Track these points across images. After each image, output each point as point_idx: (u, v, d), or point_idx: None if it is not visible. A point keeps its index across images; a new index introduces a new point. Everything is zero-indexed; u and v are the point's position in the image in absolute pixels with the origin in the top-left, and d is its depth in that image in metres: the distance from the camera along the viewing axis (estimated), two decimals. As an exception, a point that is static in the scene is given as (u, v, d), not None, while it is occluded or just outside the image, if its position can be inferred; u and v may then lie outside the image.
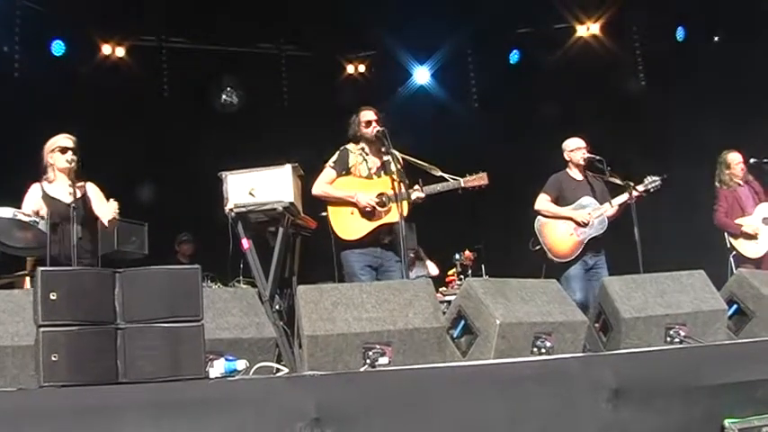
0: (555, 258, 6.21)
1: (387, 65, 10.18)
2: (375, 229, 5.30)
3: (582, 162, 6.33)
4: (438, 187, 5.37)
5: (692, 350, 4.28)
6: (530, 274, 5.40)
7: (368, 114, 5.51)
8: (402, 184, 5.19)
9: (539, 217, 6.34)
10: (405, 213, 5.14)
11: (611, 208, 6.19)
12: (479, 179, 5.41)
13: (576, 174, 6.41)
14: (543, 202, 6.34)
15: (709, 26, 9.14)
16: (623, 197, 6.15)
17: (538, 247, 6.31)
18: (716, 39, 9.18)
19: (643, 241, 5.89)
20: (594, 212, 6.19)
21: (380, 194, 5.32)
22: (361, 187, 5.37)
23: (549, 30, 9.96)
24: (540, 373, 3.59)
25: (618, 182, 6.22)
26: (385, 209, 5.30)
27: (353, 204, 5.32)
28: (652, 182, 6.14)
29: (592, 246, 6.18)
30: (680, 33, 9.45)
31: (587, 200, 6.27)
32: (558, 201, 6.33)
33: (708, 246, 7.00)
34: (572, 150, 6.39)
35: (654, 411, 3.54)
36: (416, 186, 5.32)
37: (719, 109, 8.21)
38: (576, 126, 6.63)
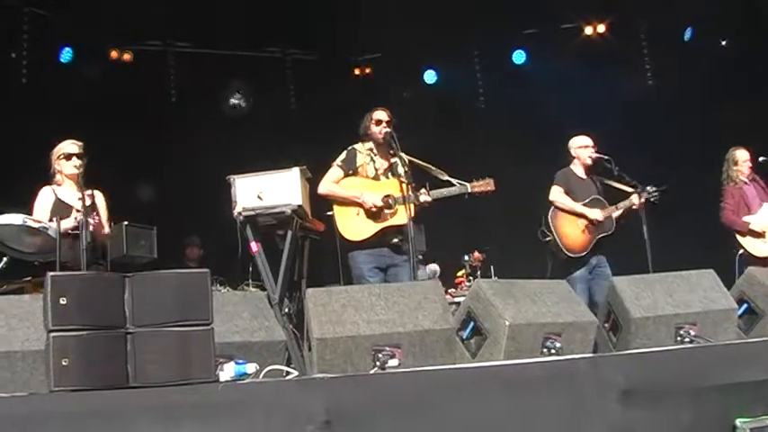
0: (566, 251, 6.18)
1: (393, 66, 10.17)
2: (380, 230, 5.30)
3: (588, 161, 6.35)
4: (445, 192, 5.36)
5: (702, 350, 4.26)
6: (538, 275, 5.39)
7: (380, 114, 5.50)
8: (409, 187, 5.19)
9: (553, 208, 6.31)
10: (411, 215, 5.13)
11: (617, 210, 6.22)
12: (486, 185, 5.40)
13: (580, 171, 6.44)
14: (558, 193, 6.32)
15: (717, 28, 9.09)
16: (627, 203, 6.20)
17: (548, 239, 6.28)
18: (723, 42, 9.14)
19: (652, 241, 5.88)
20: (605, 212, 6.21)
21: (387, 196, 5.31)
22: (368, 188, 5.37)
23: (556, 30, 9.94)
24: (550, 374, 3.59)
25: (621, 187, 6.24)
26: (391, 211, 5.29)
27: (359, 205, 5.32)
28: (653, 193, 6.16)
29: (597, 246, 6.19)
30: (687, 34, 9.41)
31: (597, 199, 6.28)
32: (566, 195, 6.33)
33: (716, 245, 6.95)
34: (579, 147, 6.42)
35: (664, 411, 3.53)
36: (423, 190, 5.30)
37: (724, 109, 8.18)
38: (582, 126, 6.61)
